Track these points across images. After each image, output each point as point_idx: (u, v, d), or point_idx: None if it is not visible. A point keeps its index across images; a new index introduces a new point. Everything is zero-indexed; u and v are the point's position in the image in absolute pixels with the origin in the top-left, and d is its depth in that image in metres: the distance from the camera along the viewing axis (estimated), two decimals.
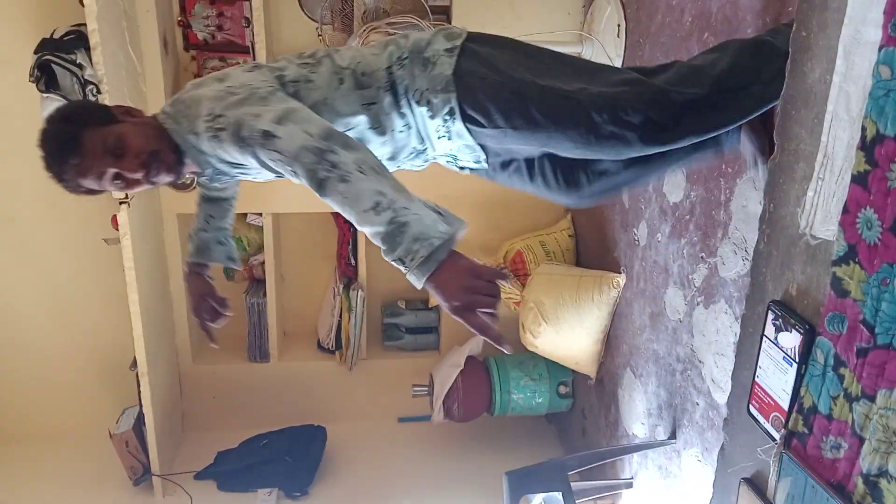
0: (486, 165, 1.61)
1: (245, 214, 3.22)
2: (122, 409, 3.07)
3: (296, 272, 3.44)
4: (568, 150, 1.43)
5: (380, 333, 3.49)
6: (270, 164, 1.20)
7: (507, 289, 2.99)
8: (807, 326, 0.79)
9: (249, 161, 1.25)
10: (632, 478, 2.60)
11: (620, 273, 2.62)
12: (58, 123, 1.34)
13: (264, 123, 1.18)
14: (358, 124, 1.42)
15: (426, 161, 1.63)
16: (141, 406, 2.89)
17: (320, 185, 1.13)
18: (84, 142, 1.31)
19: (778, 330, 0.84)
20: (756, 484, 0.93)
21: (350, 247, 3.18)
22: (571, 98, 1.33)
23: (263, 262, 3.17)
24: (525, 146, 1.49)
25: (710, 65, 1.35)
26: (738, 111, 1.30)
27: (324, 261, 3.40)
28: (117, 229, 2.57)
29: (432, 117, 1.42)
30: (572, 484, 2.23)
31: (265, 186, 2.99)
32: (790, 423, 0.82)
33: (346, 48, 1.54)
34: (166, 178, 1.41)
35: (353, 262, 3.20)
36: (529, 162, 1.65)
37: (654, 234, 2.39)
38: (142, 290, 2.71)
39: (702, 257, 2.06)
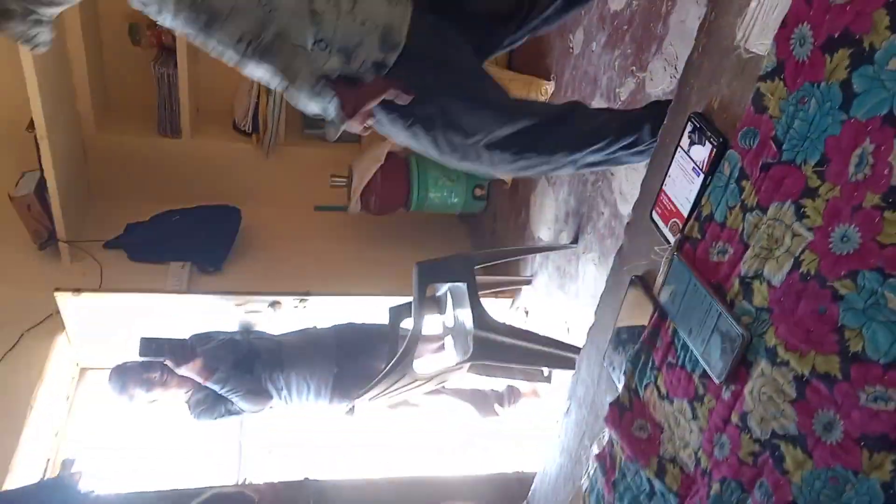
0: None
1: None
2: (21, 173, 2.93)
3: None
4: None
5: (299, 120, 3.39)
6: None
7: None
8: (720, 139, 0.82)
9: None
10: (532, 275, 2.80)
11: (550, 80, 2.60)
12: None
13: None
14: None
15: None
16: (42, 170, 2.76)
17: None
18: None
19: (692, 141, 0.87)
20: (646, 282, 1.01)
21: None
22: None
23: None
24: None
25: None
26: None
27: None
28: None
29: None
30: (477, 278, 2.37)
31: None
32: (686, 229, 0.88)
33: None
34: None
35: None
36: None
37: (589, 43, 2.34)
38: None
39: (632, 71, 2.06)
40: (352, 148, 3.40)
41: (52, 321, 2.85)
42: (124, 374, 2.52)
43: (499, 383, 2.90)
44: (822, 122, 0.68)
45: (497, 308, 2.84)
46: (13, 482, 2.37)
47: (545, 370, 2.74)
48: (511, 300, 2.97)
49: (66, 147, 2.90)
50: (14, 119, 2.90)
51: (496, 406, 2.85)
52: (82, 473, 1.99)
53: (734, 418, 0.80)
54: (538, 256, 2.77)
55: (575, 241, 2.43)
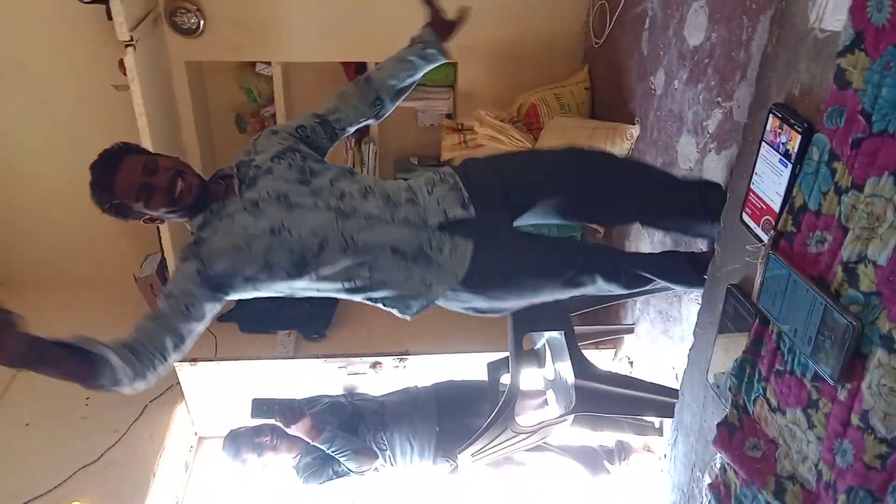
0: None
1: (254, 64, 3.16)
2: (144, 256, 3.19)
3: None
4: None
5: None
6: None
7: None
8: (805, 125, 0.79)
9: None
10: (633, 323, 2.70)
11: (634, 124, 2.58)
12: (110, 149, 1.60)
13: None
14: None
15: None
16: (162, 251, 2.99)
17: None
18: (125, 159, 1.58)
19: (777, 133, 0.84)
20: (743, 289, 0.96)
21: None
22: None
23: (274, 114, 3.14)
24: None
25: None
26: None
27: None
28: (125, 74, 2.54)
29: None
30: (575, 328, 2.32)
31: (273, 33, 2.93)
32: (780, 224, 0.84)
33: None
34: (186, 203, 1.61)
35: None
36: None
37: (671, 82, 2.32)
38: (154, 139, 2.73)
39: (718, 102, 2.02)
40: None
41: (172, 392, 3.02)
42: (237, 440, 2.61)
43: (608, 439, 2.77)
44: None
45: (599, 359, 2.75)
46: None
47: (656, 422, 2.60)
48: (613, 350, 2.87)
49: (182, 228, 3.14)
50: None
51: (606, 463, 2.71)
52: None
53: (854, 420, 0.73)
54: (638, 303, 2.68)
55: None
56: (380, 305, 1.74)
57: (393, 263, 1.63)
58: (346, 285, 1.67)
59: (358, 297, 1.72)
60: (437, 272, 1.66)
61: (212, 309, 1.63)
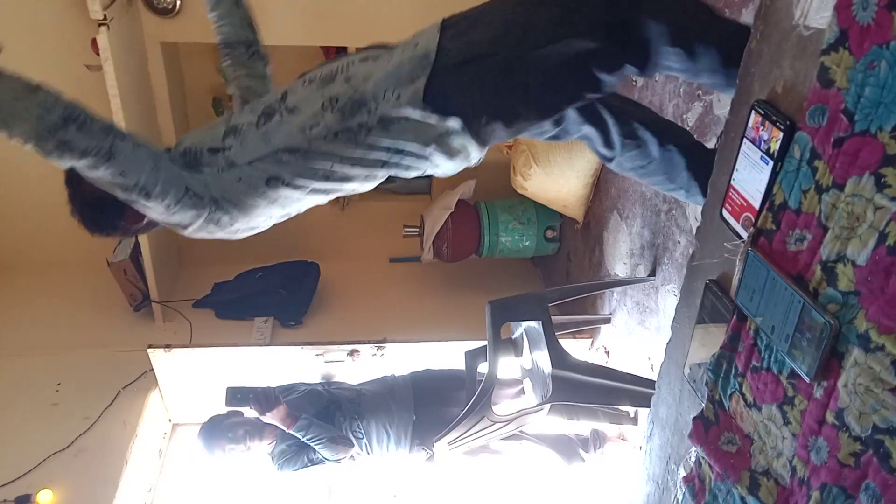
0: None
1: None
2: (118, 240, 3.13)
3: None
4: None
5: None
6: None
7: None
8: (787, 123, 0.79)
9: None
10: (610, 313, 2.72)
11: None
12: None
13: None
14: None
15: None
16: (136, 235, 2.94)
17: None
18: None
19: (759, 129, 0.84)
20: (721, 285, 0.96)
21: None
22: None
23: None
24: None
25: None
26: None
27: None
28: (98, 54, 2.48)
29: None
30: (553, 318, 2.32)
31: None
32: (759, 221, 0.84)
33: None
34: None
35: None
36: None
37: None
38: (128, 121, 2.67)
39: (698, 95, 2.02)
40: (423, 199, 3.46)
41: (146, 379, 2.98)
42: (212, 428, 2.59)
43: (583, 428, 2.80)
44: None
45: (576, 349, 2.76)
46: None
47: (631, 411, 2.62)
48: (590, 340, 2.88)
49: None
50: None
51: (581, 452, 2.73)
52: None
53: (830, 417, 0.74)
54: (616, 294, 2.69)
55: (652, 273, 2.36)
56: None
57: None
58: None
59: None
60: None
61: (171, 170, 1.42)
